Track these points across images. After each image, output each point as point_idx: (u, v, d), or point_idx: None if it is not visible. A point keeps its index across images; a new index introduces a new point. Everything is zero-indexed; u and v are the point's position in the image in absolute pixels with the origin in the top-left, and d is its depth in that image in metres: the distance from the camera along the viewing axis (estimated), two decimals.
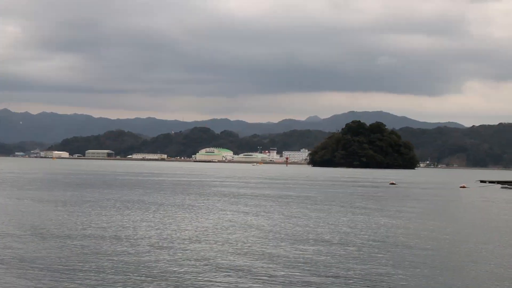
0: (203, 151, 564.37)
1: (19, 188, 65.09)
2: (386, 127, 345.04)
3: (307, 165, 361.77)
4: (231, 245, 26.03)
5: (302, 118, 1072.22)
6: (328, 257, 23.34)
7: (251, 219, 36.95)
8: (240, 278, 19.27)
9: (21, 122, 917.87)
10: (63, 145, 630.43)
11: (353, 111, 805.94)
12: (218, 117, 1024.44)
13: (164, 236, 28.16)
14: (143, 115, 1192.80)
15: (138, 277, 19.04)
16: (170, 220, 35.18)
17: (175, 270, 20.19)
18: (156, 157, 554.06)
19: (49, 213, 37.50)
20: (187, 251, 24.02)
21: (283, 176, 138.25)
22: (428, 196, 69.47)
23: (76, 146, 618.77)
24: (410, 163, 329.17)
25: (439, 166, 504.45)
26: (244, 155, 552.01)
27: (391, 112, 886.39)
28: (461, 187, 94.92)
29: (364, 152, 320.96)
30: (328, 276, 19.80)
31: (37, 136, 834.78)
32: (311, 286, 18.42)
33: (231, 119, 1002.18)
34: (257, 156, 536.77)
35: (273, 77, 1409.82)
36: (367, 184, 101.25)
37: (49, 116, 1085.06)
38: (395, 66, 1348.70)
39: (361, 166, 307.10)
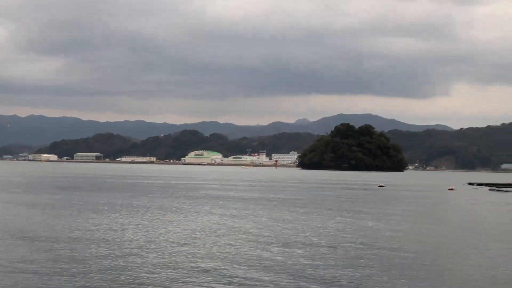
0: (192, 154, 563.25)
1: (7, 191, 64.72)
2: (375, 129, 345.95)
3: (296, 168, 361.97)
4: (218, 248, 26.01)
5: (291, 120, 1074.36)
6: (315, 260, 23.37)
7: (238, 222, 36.94)
8: (227, 281, 19.27)
9: (8, 125, 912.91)
10: (51, 148, 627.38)
11: (342, 114, 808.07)
12: (207, 119, 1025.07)
13: (152, 239, 28.10)
14: (132, 118, 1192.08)
15: (126, 279, 18.99)
16: (158, 223, 35.11)
17: (162, 273, 20.15)
18: (145, 160, 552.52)
19: (37, 216, 37.33)
20: (174, 254, 23.98)
21: (272, 179, 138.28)
22: (417, 199, 69.69)
23: (65, 149, 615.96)
24: (398, 166, 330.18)
25: (428, 168, 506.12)
26: (233, 157, 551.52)
27: (380, 115, 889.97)
28: (449, 189, 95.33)
29: (353, 155, 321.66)
30: (315, 279, 19.83)
31: (25, 139, 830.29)
32: None
33: (221, 122, 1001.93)
34: (247, 158, 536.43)
35: (262, 79, 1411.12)
36: (356, 187, 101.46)
37: (37, 119, 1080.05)
38: (384, 69, 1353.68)
39: (350, 169, 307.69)
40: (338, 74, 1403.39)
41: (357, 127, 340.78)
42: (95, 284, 18.42)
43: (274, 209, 47.98)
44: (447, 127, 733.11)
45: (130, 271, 20.45)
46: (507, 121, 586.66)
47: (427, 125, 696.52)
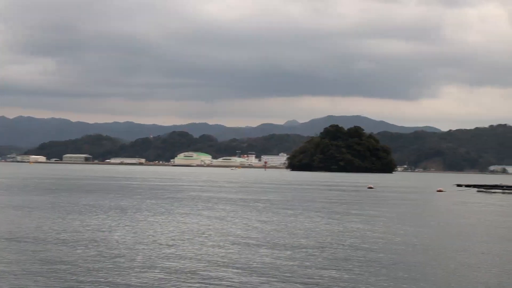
0: (181, 155, 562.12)
1: None
2: (364, 131, 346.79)
3: (285, 169, 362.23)
4: (207, 249, 26.01)
5: (281, 122, 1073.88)
6: (303, 262, 23.43)
7: (227, 224, 36.95)
8: (215, 283, 19.29)
9: None
10: (40, 150, 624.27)
11: (331, 116, 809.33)
12: (197, 121, 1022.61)
13: (140, 241, 28.05)
14: (121, 119, 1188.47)
15: (113, 280, 18.97)
16: (146, 225, 35.05)
17: (150, 275, 20.14)
18: (135, 161, 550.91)
19: (25, 218, 37.16)
20: (162, 255, 23.96)
21: (261, 180, 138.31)
22: (406, 200, 69.93)
23: (54, 151, 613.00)
24: (387, 167, 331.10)
25: (417, 170, 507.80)
26: (222, 159, 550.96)
27: (369, 117, 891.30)
28: (438, 191, 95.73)
29: (342, 156, 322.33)
30: (302, 281, 19.88)
31: (13, 140, 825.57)
32: None
33: (210, 123, 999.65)
34: (236, 160, 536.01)
35: (252, 81, 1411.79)
36: (345, 188, 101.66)
37: (26, 120, 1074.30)
38: (373, 70, 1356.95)
39: (339, 170, 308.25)
40: (328, 76, 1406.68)
41: (346, 128, 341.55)
42: (82, 286, 18.39)
43: (263, 210, 48.01)
44: (436, 129, 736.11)
45: (117, 273, 20.42)
46: (495, 123, 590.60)
47: (416, 127, 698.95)
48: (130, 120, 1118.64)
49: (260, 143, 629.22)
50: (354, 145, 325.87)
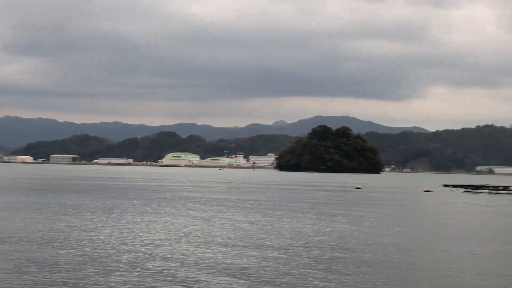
0: (169, 155, 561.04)
1: None
2: (352, 131, 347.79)
3: (273, 170, 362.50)
4: (193, 250, 25.95)
5: (269, 122, 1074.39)
6: (290, 262, 23.43)
7: (213, 224, 36.90)
8: (198, 284, 19.24)
9: None
10: (27, 150, 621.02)
11: (319, 116, 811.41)
12: (185, 121, 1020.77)
13: (125, 241, 27.94)
14: (109, 119, 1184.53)
15: (97, 280, 18.87)
16: (133, 226, 34.93)
17: (134, 276, 20.06)
18: (122, 162, 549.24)
19: (10, 218, 36.91)
20: (147, 256, 23.88)
21: (249, 181, 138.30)
22: (393, 201, 70.16)
23: (41, 151, 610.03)
24: (375, 168, 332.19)
25: (404, 170, 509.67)
26: (211, 159, 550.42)
27: (357, 117, 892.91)
28: (425, 191, 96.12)
29: (330, 157, 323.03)
30: (287, 282, 19.87)
31: (0, 140, 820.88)
32: None
33: (198, 124, 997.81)
34: (224, 160, 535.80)
35: (240, 81, 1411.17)
36: (333, 189, 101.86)
37: (12, 120, 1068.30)
38: (361, 71, 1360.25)
39: (327, 170, 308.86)
40: (316, 77, 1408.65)
41: (334, 129, 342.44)
42: (67, 286, 18.30)
43: (250, 211, 47.99)
44: (423, 129, 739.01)
45: (102, 272, 20.33)
46: (481, 124, 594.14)
47: (403, 127, 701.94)
48: (117, 120, 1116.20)
49: (248, 144, 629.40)
50: (342, 146, 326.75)
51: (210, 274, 20.65)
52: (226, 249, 26.27)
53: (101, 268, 21.21)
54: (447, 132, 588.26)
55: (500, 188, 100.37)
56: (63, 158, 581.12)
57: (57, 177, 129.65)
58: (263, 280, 19.80)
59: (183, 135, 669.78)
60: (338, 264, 23.08)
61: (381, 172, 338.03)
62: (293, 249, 26.83)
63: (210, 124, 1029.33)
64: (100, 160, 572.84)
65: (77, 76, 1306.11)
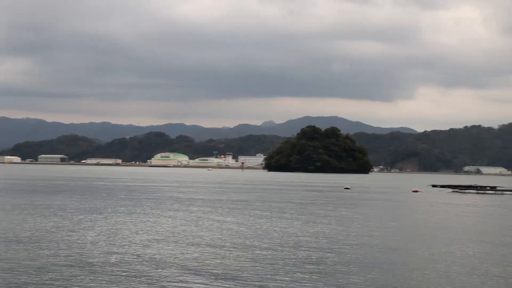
0: (158, 155, 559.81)
1: None
2: (340, 132, 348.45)
3: (262, 170, 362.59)
4: (180, 250, 25.92)
5: (258, 123, 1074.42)
6: (276, 261, 23.47)
7: (201, 225, 36.89)
8: (184, 285, 19.24)
9: None
10: (14, 150, 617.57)
11: (308, 116, 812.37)
12: (174, 121, 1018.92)
13: (113, 242, 27.87)
14: (98, 119, 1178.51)
15: (83, 280, 18.84)
16: (121, 226, 34.83)
17: (121, 276, 20.03)
18: (111, 162, 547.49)
19: None
20: (135, 257, 23.83)
21: (237, 181, 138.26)
22: (382, 201, 70.37)
23: (29, 151, 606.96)
24: (364, 168, 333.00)
25: (392, 170, 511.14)
26: (199, 160, 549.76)
27: (345, 117, 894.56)
28: (413, 191, 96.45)
29: (319, 157, 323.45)
30: (274, 283, 19.90)
31: None
32: None
33: (187, 124, 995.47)
34: (213, 161, 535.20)
35: (229, 82, 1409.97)
36: (322, 189, 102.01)
37: (0, 121, 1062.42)
38: (349, 72, 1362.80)
39: (316, 171, 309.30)
40: (304, 77, 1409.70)
41: (323, 129, 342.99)
42: (54, 285, 18.27)
43: (238, 211, 47.99)
44: (412, 129, 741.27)
45: (88, 273, 20.28)
46: (469, 124, 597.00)
47: (392, 128, 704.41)
48: (106, 121, 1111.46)
49: (237, 144, 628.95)
50: (331, 146, 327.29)
51: (197, 274, 20.66)
52: (213, 250, 26.28)
53: (88, 268, 21.16)
54: (435, 132, 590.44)
55: (488, 188, 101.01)
56: (51, 158, 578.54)
57: (45, 178, 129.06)
58: (251, 281, 19.80)
59: (172, 135, 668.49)
60: (326, 265, 23.14)
61: (369, 173, 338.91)
62: (281, 249, 26.87)
63: (199, 124, 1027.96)
64: (89, 161, 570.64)
65: (65, 76, 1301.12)
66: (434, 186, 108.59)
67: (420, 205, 64.17)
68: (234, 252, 25.77)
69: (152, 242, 28.36)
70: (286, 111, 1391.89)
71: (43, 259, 22.81)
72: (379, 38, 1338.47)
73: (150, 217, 40.69)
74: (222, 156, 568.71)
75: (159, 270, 21.22)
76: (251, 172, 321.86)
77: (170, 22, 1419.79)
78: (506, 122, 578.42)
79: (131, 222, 37.31)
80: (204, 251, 25.77)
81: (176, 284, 19.16)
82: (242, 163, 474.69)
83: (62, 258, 23.20)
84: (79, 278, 19.64)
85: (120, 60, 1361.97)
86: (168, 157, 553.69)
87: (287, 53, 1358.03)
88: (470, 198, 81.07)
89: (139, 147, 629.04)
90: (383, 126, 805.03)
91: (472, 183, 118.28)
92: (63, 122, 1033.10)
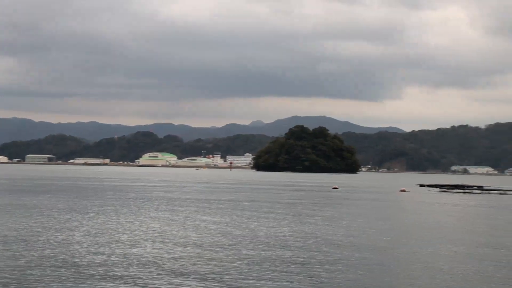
0: (146, 155, 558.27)
1: None
2: (328, 131, 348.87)
3: (251, 170, 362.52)
4: (167, 250, 25.84)
5: (246, 122, 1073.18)
6: (264, 261, 23.44)
7: (189, 225, 36.80)
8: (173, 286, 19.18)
9: None
10: (1, 150, 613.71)
11: (296, 116, 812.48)
12: (162, 121, 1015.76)
13: (100, 241, 27.72)
14: (85, 119, 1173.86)
15: (72, 277, 18.73)
16: (108, 226, 34.67)
17: (107, 276, 19.92)
18: (99, 162, 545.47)
19: None
20: (121, 256, 23.72)
21: (225, 181, 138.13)
22: (369, 201, 70.49)
23: (16, 151, 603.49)
24: (352, 167, 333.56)
25: (380, 170, 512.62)
26: (188, 159, 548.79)
27: (334, 117, 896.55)
28: (401, 190, 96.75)
29: (307, 157, 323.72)
30: (264, 279, 19.87)
31: None
32: None
33: (175, 124, 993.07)
34: (201, 160, 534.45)
35: (217, 81, 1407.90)
36: (310, 189, 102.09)
37: None
38: (337, 71, 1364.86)
39: (304, 170, 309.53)
40: (293, 77, 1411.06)
41: (311, 129, 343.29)
42: (41, 284, 18.15)
43: (226, 211, 47.90)
44: (399, 129, 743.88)
45: (74, 273, 20.16)
46: (456, 124, 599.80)
47: (379, 128, 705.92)
48: (94, 120, 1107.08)
49: (226, 144, 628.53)
50: (319, 146, 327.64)
51: (184, 275, 20.58)
52: (200, 250, 26.20)
53: (73, 268, 21.02)
54: (422, 132, 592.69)
55: (475, 188, 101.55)
56: (38, 158, 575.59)
57: (32, 177, 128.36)
58: (238, 281, 19.75)
59: (160, 135, 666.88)
60: (312, 264, 23.13)
61: (357, 172, 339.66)
62: (268, 249, 26.83)
63: (187, 124, 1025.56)
64: (76, 160, 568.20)
65: (52, 75, 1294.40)
66: (421, 185, 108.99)
67: (408, 205, 64.36)
68: (221, 252, 25.71)
69: (138, 242, 28.24)
70: (274, 111, 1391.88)
71: (28, 259, 22.65)
72: (367, 38, 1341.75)
73: (137, 217, 40.54)
74: (211, 156, 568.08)
75: (145, 270, 21.12)
76: (239, 171, 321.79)
77: (159, 22, 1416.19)
78: (493, 122, 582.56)
79: (118, 222, 37.15)
80: (191, 251, 25.69)
81: (162, 284, 19.07)
82: (231, 162, 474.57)
83: (48, 258, 23.05)
84: (64, 278, 19.50)
85: (108, 59, 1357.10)
86: (157, 157, 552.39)
87: (276, 52, 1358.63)
88: (457, 197, 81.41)
89: (127, 146, 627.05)
90: (371, 126, 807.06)
91: (460, 183, 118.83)
92: (51, 121, 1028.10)
